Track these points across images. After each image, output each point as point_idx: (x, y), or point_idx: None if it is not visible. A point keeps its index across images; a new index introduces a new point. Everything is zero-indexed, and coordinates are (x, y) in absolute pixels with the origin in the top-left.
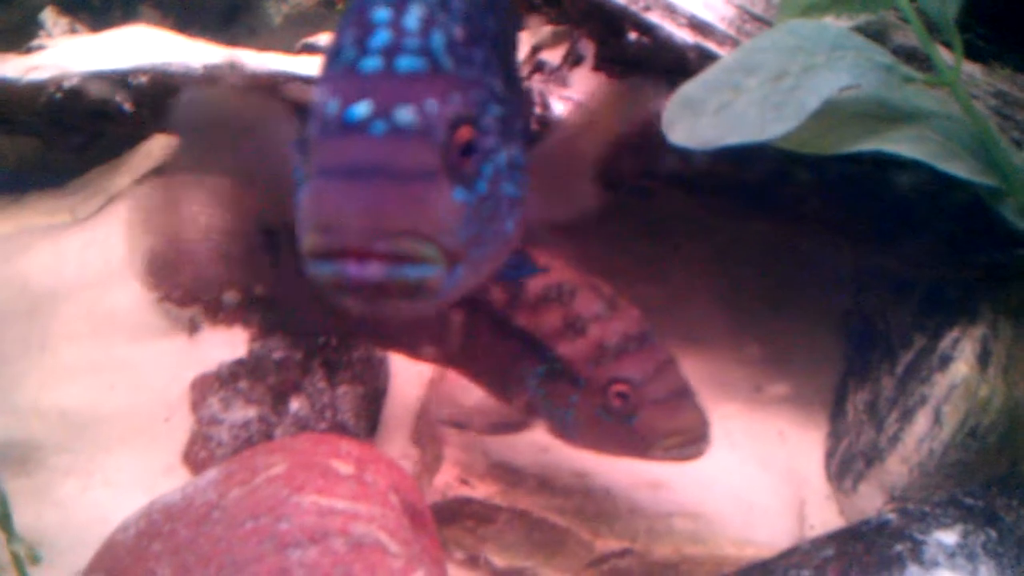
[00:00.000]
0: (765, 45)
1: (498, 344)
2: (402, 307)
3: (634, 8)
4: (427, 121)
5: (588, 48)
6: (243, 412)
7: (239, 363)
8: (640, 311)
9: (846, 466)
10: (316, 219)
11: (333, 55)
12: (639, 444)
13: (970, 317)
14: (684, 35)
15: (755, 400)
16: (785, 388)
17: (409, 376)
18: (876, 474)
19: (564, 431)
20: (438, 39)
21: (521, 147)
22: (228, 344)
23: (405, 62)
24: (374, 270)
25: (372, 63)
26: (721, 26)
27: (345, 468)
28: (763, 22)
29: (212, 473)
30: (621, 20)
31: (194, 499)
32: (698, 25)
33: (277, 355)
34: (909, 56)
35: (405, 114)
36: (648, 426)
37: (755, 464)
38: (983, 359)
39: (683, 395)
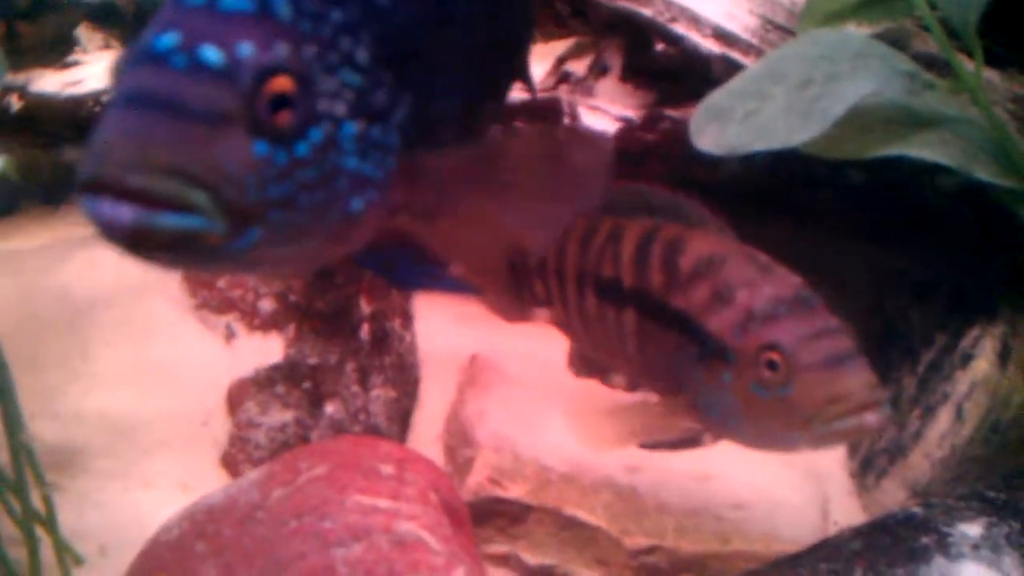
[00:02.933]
0: (790, 54)
1: (662, 335)
2: (177, 263)
3: (661, 20)
4: (232, 62)
5: (613, 59)
6: (280, 416)
7: (275, 368)
8: (801, 278)
9: (869, 463)
10: (89, 147)
11: None
12: (798, 419)
13: (990, 316)
14: (710, 45)
15: None
16: None
17: (438, 381)
18: (899, 470)
19: (724, 422)
20: None
21: (394, 131)
22: (263, 350)
23: (230, 0)
24: (124, 211)
25: None
26: (745, 36)
27: (385, 468)
28: (785, 31)
29: (254, 474)
30: (649, 31)
31: (237, 499)
32: (723, 35)
33: (312, 360)
34: (928, 63)
35: (208, 50)
36: (804, 394)
37: (778, 462)
38: (1003, 356)
39: (846, 359)
